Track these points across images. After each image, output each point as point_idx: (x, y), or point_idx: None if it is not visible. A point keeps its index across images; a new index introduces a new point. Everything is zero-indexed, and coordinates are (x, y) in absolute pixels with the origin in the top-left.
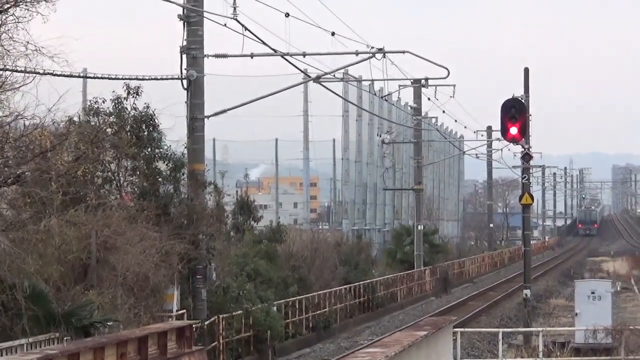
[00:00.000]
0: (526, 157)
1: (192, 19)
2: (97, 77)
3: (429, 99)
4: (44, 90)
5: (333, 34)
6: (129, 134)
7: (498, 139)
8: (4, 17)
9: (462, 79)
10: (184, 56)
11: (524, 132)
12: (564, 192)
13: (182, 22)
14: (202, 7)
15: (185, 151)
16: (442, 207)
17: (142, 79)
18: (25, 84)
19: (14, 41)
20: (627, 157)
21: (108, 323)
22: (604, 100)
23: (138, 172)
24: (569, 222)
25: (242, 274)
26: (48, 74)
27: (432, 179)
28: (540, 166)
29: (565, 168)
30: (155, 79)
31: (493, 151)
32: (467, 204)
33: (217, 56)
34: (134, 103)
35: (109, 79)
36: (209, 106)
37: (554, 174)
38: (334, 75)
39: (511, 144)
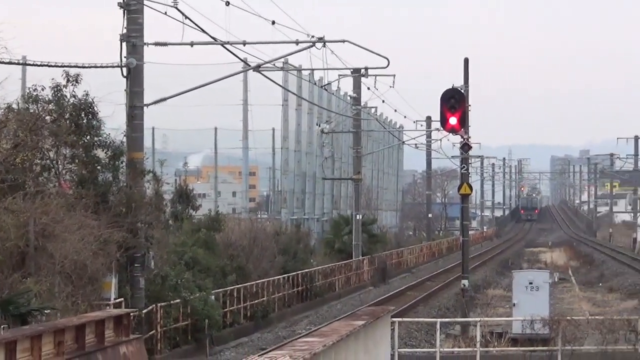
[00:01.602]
0: (465, 147)
1: (133, 6)
2: (37, 65)
3: (368, 88)
4: None
5: (273, 22)
6: (68, 121)
7: (437, 129)
8: None
9: (402, 69)
10: (124, 44)
11: (463, 122)
12: (503, 182)
13: (122, 9)
14: None
15: (125, 139)
16: (381, 197)
17: (82, 67)
18: None
19: None
20: (565, 149)
21: (46, 311)
22: (543, 92)
23: (77, 160)
24: (507, 212)
25: (181, 263)
26: None
27: (371, 169)
28: (479, 156)
29: (504, 159)
30: (95, 66)
31: (432, 141)
32: (405, 194)
33: (156, 44)
34: (73, 91)
35: (49, 66)
36: (149, 94)
37: (493, 164)
38: (274, 65)
39: (450, 134)
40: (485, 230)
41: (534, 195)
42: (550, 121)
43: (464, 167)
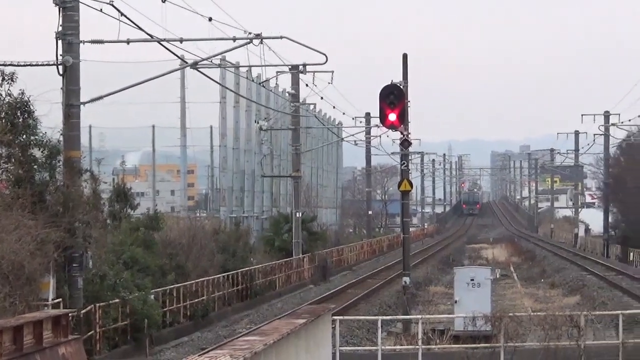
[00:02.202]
0: (405, 143)
1: (68, 4)
2: None
3: (307, 85)
4: None
5: (210, 19)
6: (3, 120)
7: (377, 126)
8: None
9: (341, 66)
10: (60, 42)
11: (402, 118)
12: (443, 178)
13: (57, 7)
14: None
15: (61, 138)
16: (320, 195)
17: (17, 65)
18: None
19: None
20: (505, 144)
21: None
22: (483, 88)
23: (13, 160)
24: (448, 209)
25: (119, 262)
26: None
27: (311, 166)
28: (419, 153)
29: (444, 155)
30: (31, 65)
31: (372, 138)
32: (345, 191)
33: (92, 42)
34: (8, 89)
35: None
36: (86, 92)
37: (433, 160)
38: (211, 62)
39: (390, 130)
40: (426, 227)
41: (475, 190)
42: (490, 116)
43: (404, 163)
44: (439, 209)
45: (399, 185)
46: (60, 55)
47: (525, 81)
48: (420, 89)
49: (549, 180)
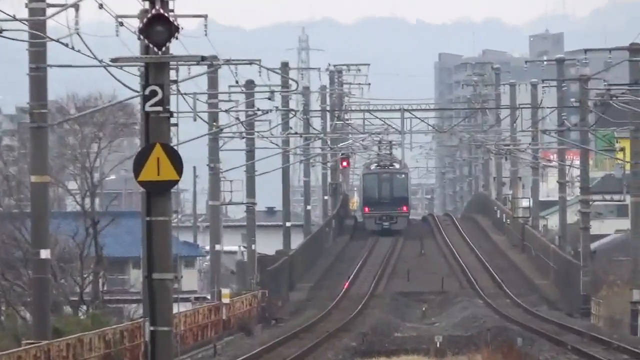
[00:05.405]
0: (156, 26)
1: None
2: None
3: None
4: None
5: None
6: None
7: None
8: None
9: None
10: None
11: None
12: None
13: None
14: None
15: None
16: None
17: None
18: None
19: None
20: (483, 31)
21: None
22: None
23: None
24: (298, 237)
25: None
26: None
27: None
28: (208, 62)
29: (286, 67)
30: None
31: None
32: None
33: None
34: None
35: None
36: None
37: (251, 84)
38: None
39: None
40: (224, 299)
41: (394, 165)
42: None
43: (154, 94)
44: (264, 245)
45: (136, 167)
46: None
47: None
48: None
49: (621, 146)
